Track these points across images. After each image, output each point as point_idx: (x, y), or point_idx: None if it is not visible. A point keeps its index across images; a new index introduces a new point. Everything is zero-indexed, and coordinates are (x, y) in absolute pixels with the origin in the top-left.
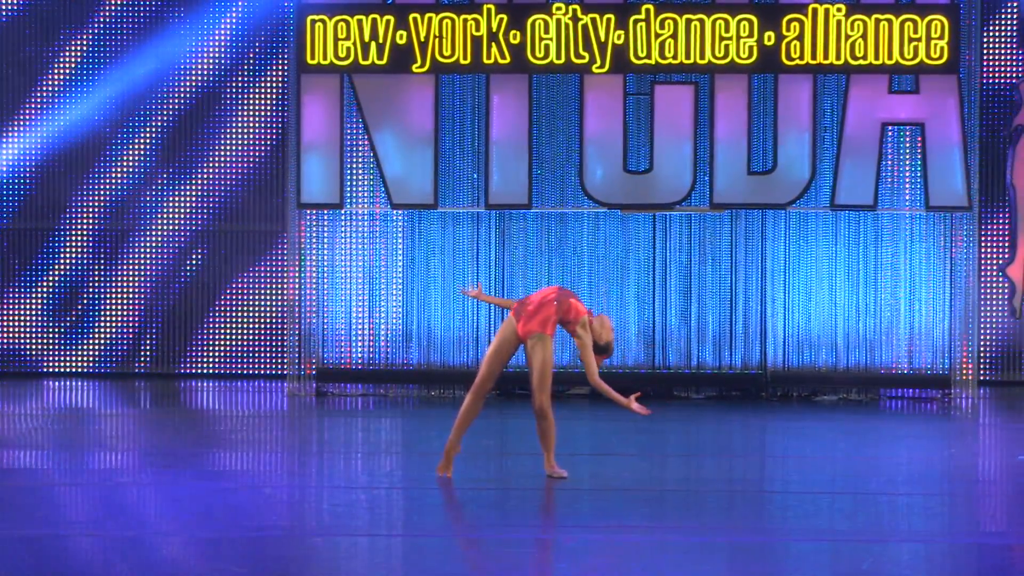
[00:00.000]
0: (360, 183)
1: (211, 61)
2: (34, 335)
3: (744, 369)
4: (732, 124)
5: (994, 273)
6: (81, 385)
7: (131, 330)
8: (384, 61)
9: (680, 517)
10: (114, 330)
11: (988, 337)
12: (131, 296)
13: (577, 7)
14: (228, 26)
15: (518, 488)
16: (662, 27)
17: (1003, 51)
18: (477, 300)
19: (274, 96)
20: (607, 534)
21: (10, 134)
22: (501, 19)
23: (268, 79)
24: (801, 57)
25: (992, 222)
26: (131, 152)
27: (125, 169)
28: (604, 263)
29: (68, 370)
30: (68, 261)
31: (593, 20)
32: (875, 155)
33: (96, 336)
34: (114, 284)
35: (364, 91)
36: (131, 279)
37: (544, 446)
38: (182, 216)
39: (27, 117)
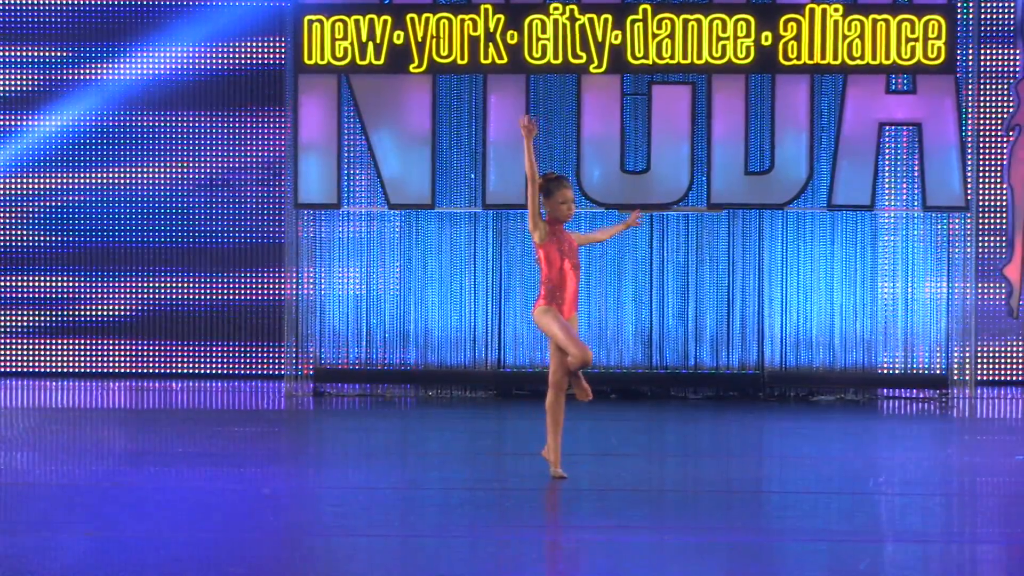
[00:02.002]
0: (357, 183)
1: (211, 61)
2: (32, 334)
3: (741, 369)
4: (729, 124)
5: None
6: (79, 385)
7: (128, 330)
8: (381, 61)
9: (679, 517)
10: (111, 330)
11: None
12: (128, 296)
13: (574, 7)
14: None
15: (517, 488)
16: (659, 27)
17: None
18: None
19: (274, 95)
20: (607, 534)
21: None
22: (498, 19)
23: (268, 78)
24: (798, 57)
25: (990, 222)
26: (129, 150)
27: (122, 167)
28: (601, 263)
29: (64, 370)
30: (63, 260)
31: (590, 20)
32: (872, 155)
33: (93, 336)
34: (111, 283)
35: (361, 91)
36: (128, 278)
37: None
38: (179, 215)
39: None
